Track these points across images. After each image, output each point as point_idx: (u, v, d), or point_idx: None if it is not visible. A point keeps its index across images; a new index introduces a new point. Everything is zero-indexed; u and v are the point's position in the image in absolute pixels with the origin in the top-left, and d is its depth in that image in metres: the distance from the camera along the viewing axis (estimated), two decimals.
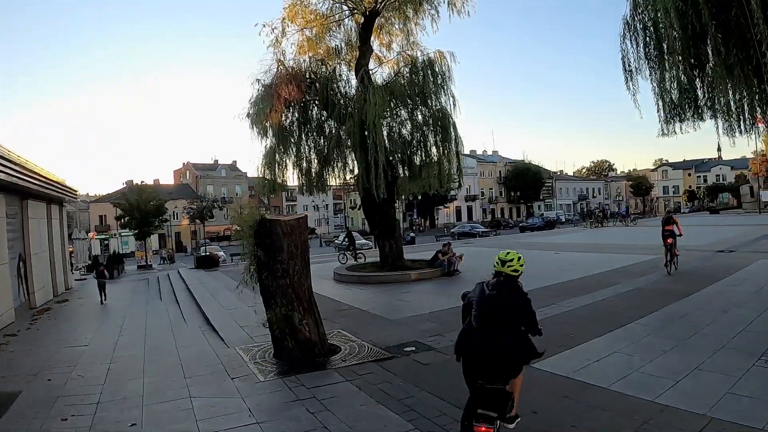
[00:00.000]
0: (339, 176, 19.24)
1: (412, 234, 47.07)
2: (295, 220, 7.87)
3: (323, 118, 18.47)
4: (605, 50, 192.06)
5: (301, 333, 7.84)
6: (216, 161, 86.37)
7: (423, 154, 18.14)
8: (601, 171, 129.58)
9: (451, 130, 17.42)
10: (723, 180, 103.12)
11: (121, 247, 47.95)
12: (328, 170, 19.00)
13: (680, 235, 14.55)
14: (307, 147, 18.67)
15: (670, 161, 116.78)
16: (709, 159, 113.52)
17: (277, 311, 7.72)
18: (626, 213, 49.56)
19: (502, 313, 4.10)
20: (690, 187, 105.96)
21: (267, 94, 17.18)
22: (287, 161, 18.46)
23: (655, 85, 8.68)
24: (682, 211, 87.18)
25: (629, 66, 8.82)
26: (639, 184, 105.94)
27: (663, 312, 9.53)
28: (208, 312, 13.81)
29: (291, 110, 17.97)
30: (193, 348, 9.76)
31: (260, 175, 18.71)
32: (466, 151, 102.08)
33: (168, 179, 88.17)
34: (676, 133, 9.32)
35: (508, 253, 4.38)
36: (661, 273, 14.03)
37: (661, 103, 8.67)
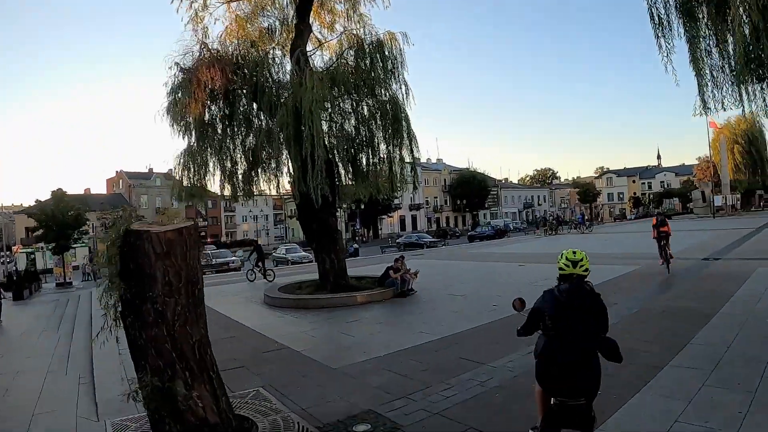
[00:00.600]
0: (271, 179, 16.21)
1: (355, 245, 44.08)
2: (176, 231, 4.87)
3: (253, 110, 15.48)
4: (548, 60, 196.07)
5: (190, 413, 4.86)
6: (150, 170, 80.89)
7: (371, 153, 15.49)
8: (545, 179, 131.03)
9: (404, 123, 14.85)
10: (667, 186, 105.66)
11: (47, 261, 43.21)
12: (258, 172, 15.94)
13: (654, 237, 15.57)
14: (232, 144, 15.61)
15: (610, 169, 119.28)
16: (651, 166, 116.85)
17: (147, 380, 4.76)
18: (582, 220, 47.14)
19: (585, 320, 3.70)
20: (635, 193, 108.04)
21: (186, 81, 14.13)
22: (209, 162, 15.39)
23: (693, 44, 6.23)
24: (627, 217, 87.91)
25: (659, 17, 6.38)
26: (586, 191, 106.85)
27: (696, 345, 7.26)
28: (96, 354, 10.54)
29: (214, 100, 14.92)
30: (53, 417, 6.79)
31: (177, 179, 15.65)
32: (409, 159, 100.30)
33: (101, 189, 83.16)
34: (722, 108, 6.90)
35: (575, 252, 3.90)
36: (655, 287, 12.09)
37: (706, 68, 6.23)
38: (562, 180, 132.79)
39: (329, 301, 13.70)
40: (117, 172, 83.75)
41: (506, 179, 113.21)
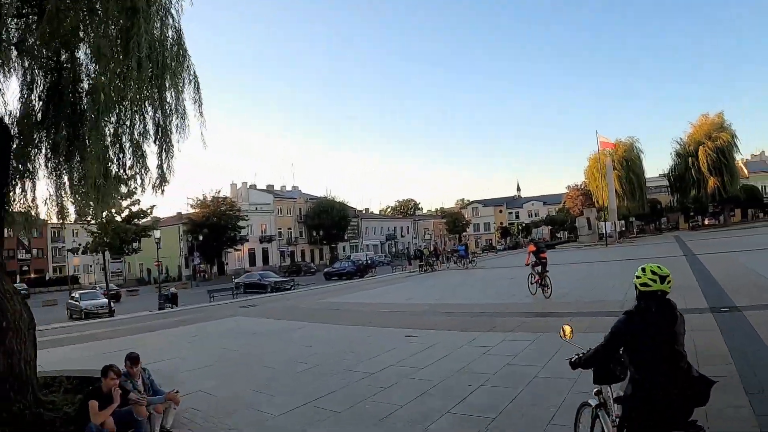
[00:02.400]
0: None
1: (172, 289, 32.86)
2: None
3: None
4: (407, 91, 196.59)
5: None
6: None
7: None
8: (407, 210, 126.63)
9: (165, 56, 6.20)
10: (535, 215, 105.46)
11: None
12: None
13: (527, 264, 16.33)
14: None
15: (471, 199, 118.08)
16: (518, 196, 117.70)
17: None
18: (465, 252, 37.71)
19: (678, 340, 3.15)
20: (501, 223, 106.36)
21: None
22: None
23: None
24: (496, 248, 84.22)
25: None
26: (455, 220, 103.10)
27: None
28: None
29: None
30: None
31: None
32: (262, 185, 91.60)
33: None
34: None
35: (660, 266, 3.24)
36: None
37: None
38: (425, 211, 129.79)
39: None
40: None
41: (367, 209, 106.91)
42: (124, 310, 30.64)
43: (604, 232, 53.04)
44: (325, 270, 47.46)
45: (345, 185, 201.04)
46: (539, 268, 15.53)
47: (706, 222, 75.03)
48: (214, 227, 64.41)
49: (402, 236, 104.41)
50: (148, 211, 36.41)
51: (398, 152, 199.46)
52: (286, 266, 69.38)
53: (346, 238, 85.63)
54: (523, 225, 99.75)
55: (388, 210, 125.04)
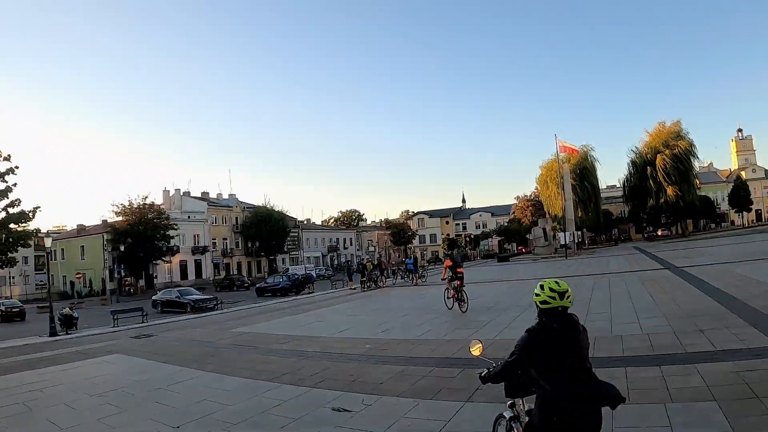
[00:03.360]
0: None
1: (65, 310, 26.83)
2: None
3: None
4: (352, 103, 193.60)
5: None
6: None
7: None
8: (350, 221, 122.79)
9: None
10: (484, 226, 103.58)
11: None
12: None
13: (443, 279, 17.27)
14: None
15: (415, 211, 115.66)
16: (465, 207, 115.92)
17: None
18: (413, 266, 33.65)
19: (580, 354, 3.21)
20: (448, 235, 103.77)
21: None
22: None
23: None
24: (443, 260, 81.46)
25: None
26: (401, 231, 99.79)
27: None
28: None
29: None
30: None
31: None
32: (197, 193, 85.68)
33: None
34: None
35: (558, 282, 3.28)
36: None
37: None
38: (369, 222, 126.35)
39: None
40: None
41: (309, 220, 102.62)
42: (13, 333, 25.90)
43: (563, 242, 51.05)
44: (258, 285, 43.28)
45: (286, 194, 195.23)
46: (456, 283, 15.79)
47: (660, 233, 74.86)
48: (139, 236, 58.80)
49: (345, 248, 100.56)
50: (30, 214, 29.71)
51: (342, 161, 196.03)
52: (219, 279, 64.50)
53: (285, 249, 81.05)
54: (472, 236, 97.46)
55: (331, 221, 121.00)
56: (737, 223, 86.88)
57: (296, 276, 41.57)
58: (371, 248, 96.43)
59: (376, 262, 35.07)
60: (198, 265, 72.51)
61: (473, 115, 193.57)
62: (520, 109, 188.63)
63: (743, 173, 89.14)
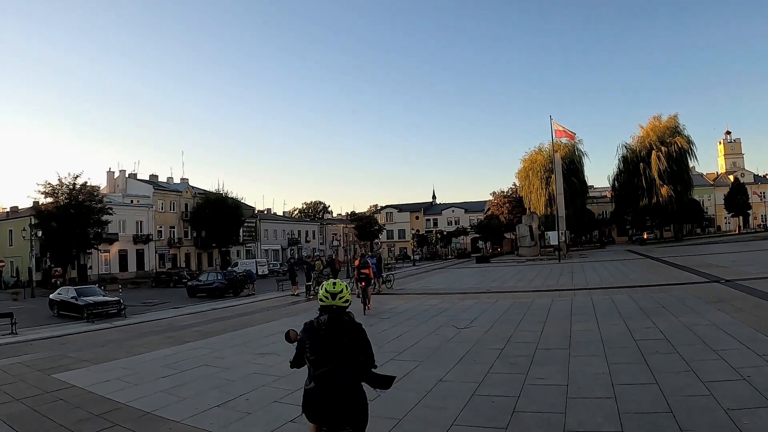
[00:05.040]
0: None
1: None
2: None
3: None
4: (318, 94, 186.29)
5: None
6: None
7: None
8: (315, 213, 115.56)
9: None
10: (456, 223, 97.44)
11: None
12: None
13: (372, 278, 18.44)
14: None
15: (384, 204, 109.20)
16: (436, 203, 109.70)
17: None
18: (376, 267, 23.53)
19: (342, 348, 3.77)
20: (417, 231, 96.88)
21: None
22: None
23: None
24: (412, 258, 74.68)
25: None
26: (366, 224, 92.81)
27: None
28: None
29: None
30: None
31: None
32: (145, 176, 77.27)
33: None
34: None
35: (334, 283, 3.98)
36: None
37: None
38: (335, 215, 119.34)
39: None
40: None
41: (269, 210, 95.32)
42: None
43: (552, 243, 45.27)
44: (189, 283, 36.26)
45: (245, 183, 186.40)
46: (361, 284, 16.71)
47: (645, 235, 70.02)
48: (67, 220, 51.01)
49: (307, 241, 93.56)
50: None
51: (308, 151, 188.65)
52: (163, 272, 57.12)
53: (240, 241, 73.86)
54: (444, 233, 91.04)
55: (295, 212, 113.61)
56: (723, 229, 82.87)
57: (234, 274, 34.68)
58: (335, 242, 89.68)
59: (326, 261, 28.44)
60: (140, 256, 64.96)
61: (443, 107, 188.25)
62: (494, 102, 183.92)
63: (731, 177, 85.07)
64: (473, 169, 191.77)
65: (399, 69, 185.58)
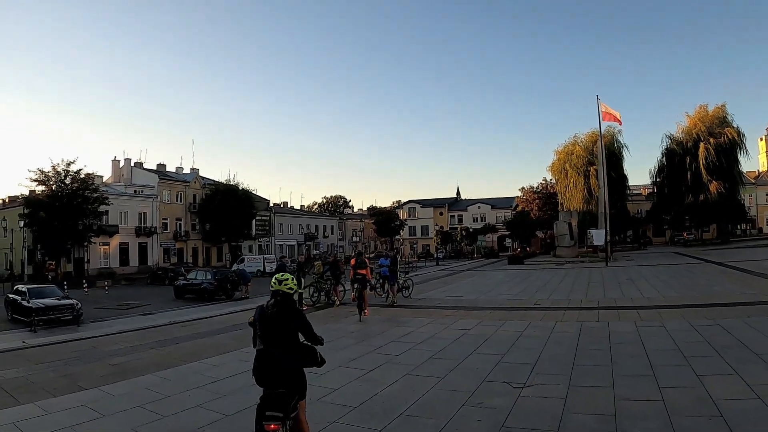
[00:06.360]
0: None
1: None
2: None
3: None
4: (341, 90, 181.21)
5: None
6: None
7: None
8: (335, 207, 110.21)
9: None
10: (482, 219, 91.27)
11: None
12: None
13: (369, 279, 16.07)
14: None
15: (409, 199, 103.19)
16: (461, 198, 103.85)
17: None
18: (389, 271, 18.01)
19: (283, 328, 4.44)
20: (441, 227, 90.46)
21: None
22: None
23: None
24: (435, 256, 69.14)
25: None
26: (386, 220, 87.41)
27: None
28: None
29: None
30: None
31: None
32: (152, 165, 72.56)
33: None
34: None
35: (283, 274, 4.66)
36: None
37: None
38: (356, 210, 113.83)
39: None
40: None
41: (285, 203, 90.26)
42: None
43: (595, 243, 39.50)
44: (176, 283, 31.04)
45: (261, 175, 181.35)
46: (357, 286, 15.32)
47: (685, 236, 63.48)
48: (61, 210, 46.51)
49: (325, 236, 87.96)
50: None
51: (330, 145, 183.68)
52: (166, 267, 52.25)
53: (253, 234, 68.80)
54: (470, 230, 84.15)
55: (315, 207, 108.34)
56: (765, 231, 75.76)
57: (225, 274, 29.55)
58: (355, 238, 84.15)
59: (329, 262, 22.65)
60: (143, 250, 60.22)
61: (474, 101, 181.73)
62: (514, 100, 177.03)
63: None
64: (498, 164, 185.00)
65: (423, 61, 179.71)
